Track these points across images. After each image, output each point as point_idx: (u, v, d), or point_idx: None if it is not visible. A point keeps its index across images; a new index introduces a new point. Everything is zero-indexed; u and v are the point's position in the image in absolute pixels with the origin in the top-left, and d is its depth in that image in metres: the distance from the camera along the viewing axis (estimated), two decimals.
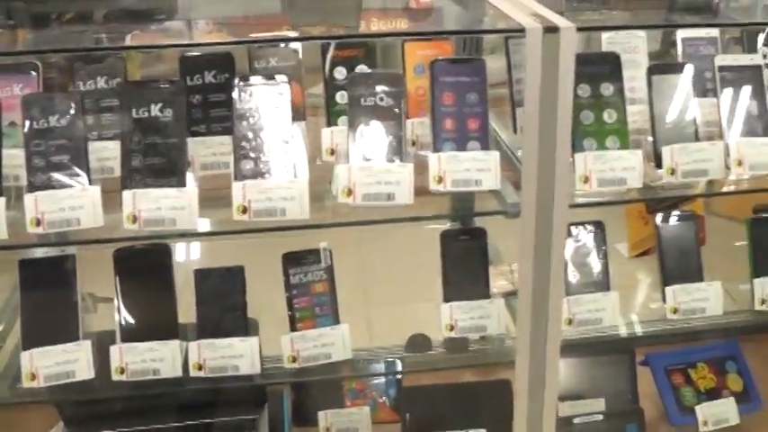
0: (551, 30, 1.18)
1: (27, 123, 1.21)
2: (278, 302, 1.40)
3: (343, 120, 1.28)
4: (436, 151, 1.25)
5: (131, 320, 1.32)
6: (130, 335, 1.32)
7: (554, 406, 1.37)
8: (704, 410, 1.61)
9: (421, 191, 1.26)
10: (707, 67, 1.42)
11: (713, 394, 1.66)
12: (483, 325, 1.37)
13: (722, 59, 1.40)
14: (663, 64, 1.40)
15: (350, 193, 1.20)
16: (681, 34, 1.50)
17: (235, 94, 1.23)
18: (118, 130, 1.26)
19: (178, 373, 1.30)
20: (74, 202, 1.19)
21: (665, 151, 1.32)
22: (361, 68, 1.33)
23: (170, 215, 1.20)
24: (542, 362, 1.32)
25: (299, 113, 1.33)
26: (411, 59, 1.36)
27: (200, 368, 1.29)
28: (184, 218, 1.20)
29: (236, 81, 1.23)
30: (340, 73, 1.33)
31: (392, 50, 1.45)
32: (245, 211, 1.19)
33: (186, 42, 1.28)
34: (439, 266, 1.43)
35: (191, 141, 1.28)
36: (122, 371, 1.30)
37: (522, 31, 1.18)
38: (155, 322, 1.32)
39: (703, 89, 1.46)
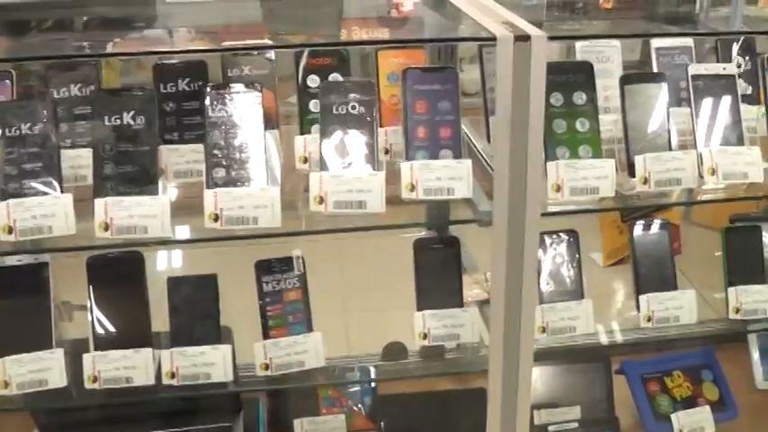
0: (523, 38, 1.19)
1: None
2: (254, 310, 1.40)
3: (316, 128, 1.28)
4: (408, 159, 1.25)
5: (105, 328, 1.32)
6: (104, 343, 1.31)
7: (527, 414, 1.36)
8: (680, 419, 1.62)
9: (396, 199, 1.27)
10: (681, 76, 1.43)
11: (689, 402, 1.67)
12: (456, 333, 1.37)
13: (695, 69, 1.41)
14: (635, 73, 1.41)
15: (321, 201, 1.20)
16: (655, 44, 1.51)
17: (207, 102, 1.23)
18: (91, 137, 1.26)
19: (151, 381, 1.29)
20: (45, 210, 1.19)
21: (638, 160, 1.33)
22: (335, 77, 1.33)
23: (142, 223, 1.20)
24: (515, 370, 1.33)
25: (272, 122, 1.34)
26: (384, 68, 1.37)
27: (172, 376, 1.29)
28: (156, 226, 1.20)
29: (208, 89, 1.23)
30: (313, 81, 1.33)
31: (369, 59, 1.46)
32: (216, 219, 1.19)
33: (155, 50, 1.28)
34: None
35: (164, 149, 1.28)
36: (95, 379, 1.29)
37: (493, 39, 1.19)
38: (128, 330, 1.32)
39: (678, 98, 1.47)
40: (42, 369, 1.29)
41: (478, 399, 1.48)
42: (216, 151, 1.22)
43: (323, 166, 1.23)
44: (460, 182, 1.24)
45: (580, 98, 1.34)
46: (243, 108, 1.23)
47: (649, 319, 1.44)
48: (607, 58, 1.48)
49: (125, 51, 1.28)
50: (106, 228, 1.19)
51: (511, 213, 1.25)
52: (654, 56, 1.51)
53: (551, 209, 1.34)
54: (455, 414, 1.57)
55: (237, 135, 1.22)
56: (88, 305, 1.33)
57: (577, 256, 1.45)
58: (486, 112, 1.42)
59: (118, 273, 1.33)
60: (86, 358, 1.29)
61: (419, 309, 1.38)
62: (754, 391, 1.80)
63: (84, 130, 1.30)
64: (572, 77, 1.33)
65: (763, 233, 1.62)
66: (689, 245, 1.99)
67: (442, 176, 1.23)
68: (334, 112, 1.24)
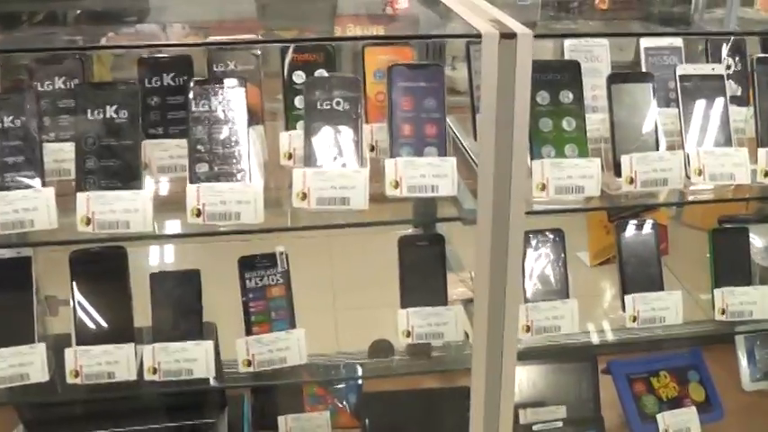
0: (508, 36, 1.18)
1: None
2: (239, 306, 1.39)
3: (301, 124, 1.27)
4: (393, 156, 1.24)
5: (87, 324, 1.31)
6: (86, 338, 1.31)
7: (511, 413, 1.36)
8: (666, 419, 1.62)
9: (382, 196, 1.26)
10: (671, 76, 1.42)
11: (675, 403, 1.66)
12: (440, 332, 1.37)
13: (683, 69, 1.40)
14: (623, 73, 1.40)
15: (305, 197, 1.20)
16: (644, 44, 1.50)
17: (190, 97, 1.22)
18: (74, 131, 1.25)
19: (133, 376, 1.29)
20: (27, 204, 1.18)
21: (625, 160, 1.32)
22: (320, 73, 1.32)
23: (124, 218, 1.19)
24: (499, 369, 1.32)
25: (257, 117, 1.33)
26: (371, 64, 1.36)
27: (154, 372, 1.29)
28: (138, 221, 1.19)
29: (192, 84, 1.22)
30: (299, 77, 1.33)
31: (358, 55, 1.45)
32: (199, 214, 1.19)
33: (136, 44, 1.27)
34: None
35: (148, 144, 1.28)
36: (77, 374, 1.29)
37: (478, 36, 1.19)
38: (110, 326, 1.31)
39: (666, 99, 1.47)
40: (24, 363, 1.28)
41: (463, 397, 1.48)
42: (199, 146, 1.21)
43: (306, 162, 1.22)
44: (445, 179, 1.23)
45: (567, 97, 1.33)
46: (227, 103, 1.22)
47: (635, 320, 1.44)
48: (596, 57, 1.47)
49: (106, 45, 1.27)
50: (88, 222, 1.19)
51: (495, 212, 1.25)
52: (643, 56, 1.51)
53: (537, 208, 1.34)
54: (440, 412, 1.56)
55: (221, 130, 1.22)
56: (71, 300, 1.32)
57: (563, 255, 1.44)
58: (474, 109, 1.41)
59: (100, 268, 1.32)
60: (68, 353, 1.29)
61: (403, 306, 1.37)
62: (741, 393, 1.80)
63: (67, 124, 1.29)
64: (558, 76, 1.33)
65: (752, 235, 1.62)
66: (679, 245, 1.99)
67: (427, 174, 1.23)
68: (319, 107, 1.24)
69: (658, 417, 1.62)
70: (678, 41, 1.51)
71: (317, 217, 1.27)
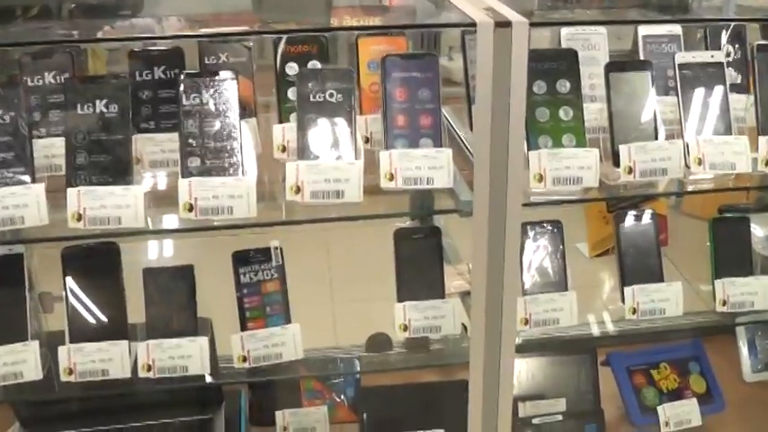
0: (503, 24, 1.16)
1: None
2: (235, 301, 1.38)
3: (295, 116, 1.25)
4: (388, 148, 1.23)
5: (80, 321, 1.30)
6: (80, 335, 1.29)
7: (509, 407, 1.35)
8: (666, 411, 1.60)
9: (378, 188, 1.24)
10: (669, 64, 1.40)
11: (676, 395, 1.65)
12: (437, 325, 1.35)
13: (682, 57, 1.38)
14: (620, 61, 1.38)
15: (298, 190, 1.18)
16: (642, 32, 1.48)
17: (181, 90, 1.20)
18: (64, 126, 1.23)
19: (127, 374, 1.27)
20: (17, 201, 1.17)
21: (623, 150, 1.31)
22: (314, 64, 1.31)
23: (115, 213, 1.17)
24: (497, 362, 1.31)
25: (250, 110, 1.32)
26: (365, 55, 1.34)
27: (149, 369, 1.27)
28: (130, 216, 1.18)
29: (182, 77, 1.21)
30: (292, 69, 1.31)
31: (353, 47, 1.43)
32: (191, 209, 1.17)
33: (124, 37, 1.25)
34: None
35: (140, 138, 1.26)
36: (71, 371, 1.27)
37: (473, 25, 1.17)
38: (104, 322, 1.30)
39: (665, 87, 1.45)
40: (17, 362, 1.27)
41: (462, 390, 1.47)
42: (190, 140, 1.19)
43: (300, 155, 1.21)
44: (440, 171, 1.22)
45: (564, 86, 1.31)
46: (218, 96, 1.21)
47: (634, 312, 1.42)
48: (593, 45, 1.45)
49: (91, 39, 1.25)
50: (79, 218, 1.17)
51: (492, 203, 1.23)
52: (641, 44, 1.49)
53: (535, 199, 1.32)
54: (438, 406, 1.55)
55: (212, 124, 1.20)
56: (64, 297, 1.30)
57: (561, 246, 1.43)
58: (469, 100, 1.40)
59: (93, 264, 1.30)
60: (62, 351, 1.27)
61: (399, 300, 1.36)
62: (742, 384, 1.78)
63: (58, 119, 1.28)
64: (555, 65, 1.31)
65: (752, 225, 1.60)
66: (679, 235, 1.97)
67: (422, 166, 1.21)
68: (312, 100, 1.22)
69: (659, 409, 1.60)
70: (677, 29, 1.49)
71: (312, 210, 1.25)
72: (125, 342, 1.27)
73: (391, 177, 1.21)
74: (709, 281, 1.52)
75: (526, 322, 1.36)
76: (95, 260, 1.30)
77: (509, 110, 1.19)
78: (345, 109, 1.22)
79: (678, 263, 1.68)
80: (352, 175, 1.18)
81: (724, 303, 1.48)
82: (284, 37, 1.31)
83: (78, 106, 1.20)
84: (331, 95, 1.22)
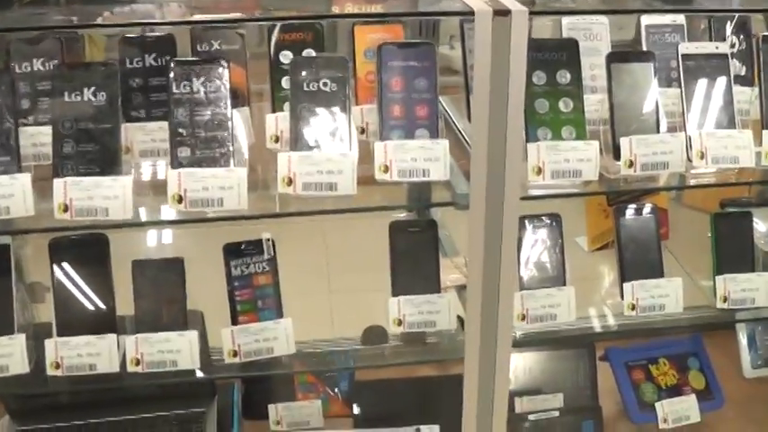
0: (502, 13, 1.13)
1: None
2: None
3: (288, 106, 1.23)
4: (383, 139, 1.20)
5: (68, 313, 1.27)
6: (67, 328, 1.27)
7: (505, 403, 1.33)
8: (665, 407, 1.58)
9: (375, 179, 1.21)
10: (672, 55, 1.37)
11: (674, 391, 1.63)
12: (432, 320, 1.33)
13: (686, 48, 1.35)
14: (622, 51, 1.35)
15: (290, 182, 1.15)
16: (645, 21, 1.45)
17: (171, 78, 1.17)
18: (52, 114, 1.20)
19: (115, 368, 1.25)
20: (2, 191, 1.14)
21: (624, 142, 1.28)
22: (308, 53, 1.27)
23: (102, 204, 1.15)
24: (493, 358, 1.29)
25: (242, 99, 1.28)
26: (361, 43, 1.31)
27: (137, 363, 1.25)
28: (118, 207, 1.15)
29: (172, 64, 1.17)
30: (286, 57, 1.28)
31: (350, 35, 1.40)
32: (180, 200, 1.15)
33: (114, 23, 1.22)
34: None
35: (130, 127, 1.23)
36: (58, 366, 1.25)
37: (471, 14, 1.14)
38: (92, 315, 1.27)
39: (668, 78, 1.42)
40: (3, 355, 1.24)
41: (458, 385, 1.45)
42: (180, 130, 1.17)
43: (293, 146, 1.18)
44: (437, 163, 1.19)
45: (564, 77, 1.28)
46: (209, 84, 1.18)
47: (633, 308, 1.39)
48: (595, 35, 1.42)
49: (79, 24, 1.22)
50: (66, 209, 1.14)
51: (489, 196, 1.21)
52: (644, 34, 1.45)
53: (534, 192, 1.29)
54: (433, 400, 1.53)
55: (203, 113, 1.17)
56: (51, 289, 1.28)
57: (560, 241, 1.40)
58: (468, 90, 1.37)
59: (81, 255, 1.28)
60: (48, 344, 1.24)
61: (394, 294, 1.33)
62: (742, 380, 1.76)
63: (46, 107, 1.25)
64: (556, 55, 1.28)
65: (755, 219, 1.57)
66: (680, 227, 1.95)
67: (418, 157, 1.18)
68: (305, 89, 1.19)
69: (657, 405, 1.58)
70: (680, 19, 1.46)
71: (306, 201, 1.22)
72: (113, 336, 1.25)
73: (386, 169, 1.18)
74: (709, 274, 1.49)
75: (523, 318, 1.34)
76: (83, 251, 1.27)
77: (507, 101, 1.17)
78: (340, 98, 1.19)
79: (679, 255, 1.65)
80: (346, 167, 1.15)
81: (725, 300, 1.45)
82: (278, 24, 1.28)
83: (66, 94, 1.17)
84: (325, 85, 1.19)
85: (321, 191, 1.16)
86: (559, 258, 1.39)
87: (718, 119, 1.33)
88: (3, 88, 1.17)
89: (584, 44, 1.36)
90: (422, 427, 1.48)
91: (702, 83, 1.34)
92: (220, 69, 1.18)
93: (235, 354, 1.28)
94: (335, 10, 1.36)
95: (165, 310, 1.27)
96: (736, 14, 1.48)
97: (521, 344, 1.43)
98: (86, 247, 1.27)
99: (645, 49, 1.43)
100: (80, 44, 1.32)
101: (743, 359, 1.78)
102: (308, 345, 1.49)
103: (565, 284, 1.38)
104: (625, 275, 1.42)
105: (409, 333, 1.41)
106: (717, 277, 1.45)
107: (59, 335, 1.26)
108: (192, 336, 1.24)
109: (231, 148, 1.17)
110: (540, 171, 1.23)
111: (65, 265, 1.28)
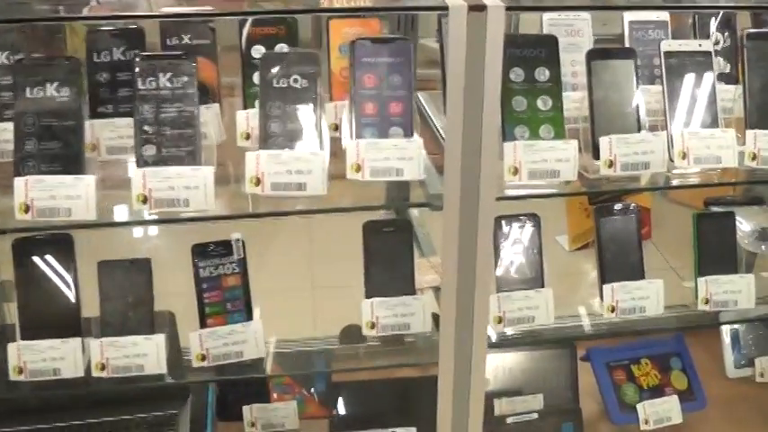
0: (478, 8, 1.10)
1: None
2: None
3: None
4: (356, 137, 1.16)
5: (31, 316, 1.23)
6: (31, 331, 1.23)
7: (481, 405, 1.30)
8: (646, 409, 1.56)
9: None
10: (656, 52, 1.34)
11: (656, 392, 1.60)
12: (407, 323, 1.29)
13: (668, 45, 1.32)
14: (603, 48, 1.32)
15: (258, 182, 1.12)
16: (628, 17, 1.42)
17: (137, 73, 1.13)
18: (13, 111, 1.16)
19: (80, 372, 1.21)
20: None
21: (603, 142, 1.25)
22: (281, 47, 1.24)
23: (65, 204, 1.11)
24: (468, 360, 1.26)
25: (213, 95, 1.25)
26: (336, 38, 1.27)
27: (102, 368, 1.21)
28: (80, 207, 1.11)
29: (138, 59, 1.14)
30: (258, 52, 1.24)
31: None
32: (145, 200, 1.11)
33: (80, 16, 1.17)
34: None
35: (96, 123, 1.19)
36: (21, 371, 1.21)
37: (445, 9, 1.10)
38: (56, 318, 1.23)
39: (651, 76, 1.39)
40: None
41: (435, 386, 1.42)
42: (146, 127, 1.13)
43: (262, 144, 1.15)
44: (410, 162, 1.16)
45: (543, 74, 1.25)
46: (176, 80, 1.14)
47: (613, 310, 1.37)
48: (577, 31, 1.39)
49: (47, 17, 1.17)
50: (27, 209, 1.11)
51: (464, 196, 1.17)
52: (627, 30, 1.43)
53: (510, 192, 1.26)
54: (411, 401, 1.50)
55: (169, 110, 1.13)
56: (15, 291, 1.24)
57: (539, 241, 1.37)
58: (445, 86, 1.33)
59: (45, 257, 1.24)
60: (11, 348, 1.21)
61: (368, 296, 1.30)
62: (725, 380, 1.75)
63: (10, 102, 1.21)
64: (534, 52, 1.25)
65: (738, 218, 1.54)
66: (664, 223, 1.93)
67: (391, 156, 1.15)
68: (275, 85, 1.15)
69: (638, 406, 1.56)
70: (665, 15, 1.43)
71: (275, 201, 1.19)
72: (78, 339, 1.21)
73: (358, 168, 1.15)
74: (692, 271, 1.47)
75: (500, 321, 1.31)
76: (48, 252, 1.23)
77: (483, 98, 1.13)
78: (311, 95, 1.16)
79: (665, 251, 1.63)
80: (315, 166, 1.12)
81: (706, 302, 1.43)
82: (250, 18, 1.24)
83: (28, 89, 1.13)
84: (295, 81, 1.16)
85: (290, 191, 1.13)
86: (538, 259, 1.36)
87: (701, 117, 1.31)
88: None
89: (566, 40, 1.33)
90: (399, 429, 1.46)
91: (685, 81, 1.31)
92: (188, 65, 1.14)
93: (203, 358, 1.24)
94: (324, 3, 1.32)
95: (132, 312, 1.23)
96: (721, 11, 1.45)
97: (499, 345, 1.40)
98: (50, 247, 1.23)
99: (628, 45, 1.40)
100: (61, 35, 1.28)
101: (726, 359, 1.77)
102: (285, 344, 1.46)
103: (543, 286, 1.36)
104: (605, 277, 1.39)
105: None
106: (698, 279, 1.43)
107: (23, 338, 1.22)
108: (159, 339, 1.21)
109: (199, 147, 1.13)
110: (516, 171, 1.20)
111: (28, 266, 1.24)
